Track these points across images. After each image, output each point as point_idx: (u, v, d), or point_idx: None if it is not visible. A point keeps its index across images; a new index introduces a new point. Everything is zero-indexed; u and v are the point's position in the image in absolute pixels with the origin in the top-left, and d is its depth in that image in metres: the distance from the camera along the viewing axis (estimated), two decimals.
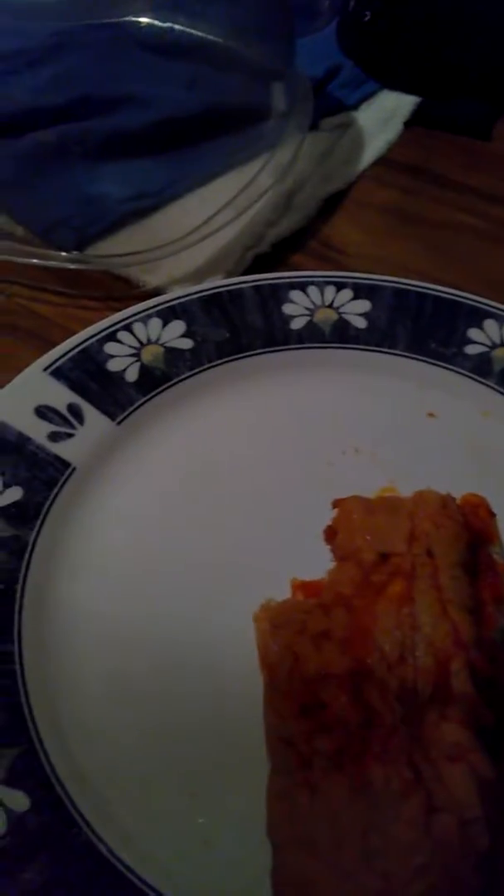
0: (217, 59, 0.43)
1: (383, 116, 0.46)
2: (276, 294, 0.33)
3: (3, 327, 0.35)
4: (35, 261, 0.36)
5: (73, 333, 0.34)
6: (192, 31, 0.43)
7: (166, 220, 0.38)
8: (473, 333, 0.32)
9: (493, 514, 0.24)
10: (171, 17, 0.42)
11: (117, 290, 0.36)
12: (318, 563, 0.26)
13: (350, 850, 0.17)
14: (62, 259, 0.36)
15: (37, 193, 0.39)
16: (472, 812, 0.17)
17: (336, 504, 0.24)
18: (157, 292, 0.36)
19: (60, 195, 0.39)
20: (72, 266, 0.36)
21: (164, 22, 0.43)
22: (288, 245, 0.39)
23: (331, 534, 0.24)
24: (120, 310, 0.35)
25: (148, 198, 0.38)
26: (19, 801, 0.21)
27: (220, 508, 0.28)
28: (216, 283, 0.33)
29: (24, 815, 0.20)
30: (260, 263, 0.38)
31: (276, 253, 0.38)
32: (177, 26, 0.42)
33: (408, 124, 0.46)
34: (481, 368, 0.31)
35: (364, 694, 0.19)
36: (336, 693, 0.19)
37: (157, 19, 0.42)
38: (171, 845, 0.21)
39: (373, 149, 0.45)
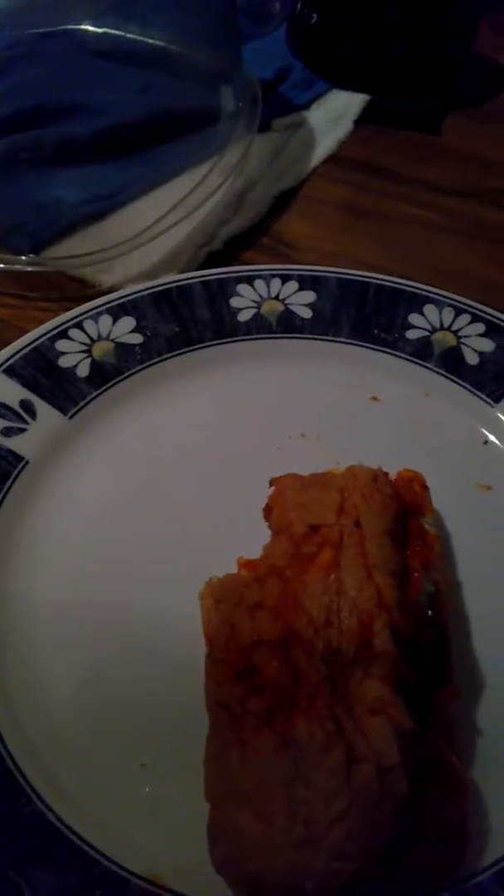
0: (167, 64, 0.45)
1: (334, 115, 0.48)
2: (224, 288, 0.34)
3: None
4: None
5: None
6: (143, 39, 0.45)
7: (120, 221, 0.39)
8: (414, 319, 0.33)
9: (426, 488, 0.25)
10: (122, 25, 0.43)
11: (73, 291, 0.37)
12: (264, 542, 0.27)
13: (276, 800, 0.18)
14: (17, 262, 0.37)
15: None
16: (390, 760, 0.18)
17: (272, 482, 0.25)
18: (112, 291, 0.37)
19: (14, 202, 0.40)
20: (27, 269, 0.37)
21: (116, 30, 0.44)
22: (240, 242, 0.40)
23: (268, 511, 0.25)
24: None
25: (102, 201, 0.39)
26: None
27: (171, 495, 0.29)
28: (165, 279, 0.34)
29: None
30: (213, 260, 0.39)
31: (229, 250, 0.39)
32: (128, 34, 0.44)
33: (358, 122, 0.47)
34: (422, 352, 0.32)
35: (292, 656, 0.20)
36: (267, 657, 0.20)
37: (108, 27, 0.43)
38: (120, 814, 0.22)
39: (324, 147, 0.46)
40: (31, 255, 0.37)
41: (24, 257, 0.37)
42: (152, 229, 0.37)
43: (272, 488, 0.25)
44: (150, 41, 0.45)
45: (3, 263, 0.37)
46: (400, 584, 0.21)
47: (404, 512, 0.24)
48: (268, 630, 0.21)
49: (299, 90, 0.48)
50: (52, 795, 0.21)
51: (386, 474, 0.25)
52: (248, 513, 0.28)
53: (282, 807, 0.18)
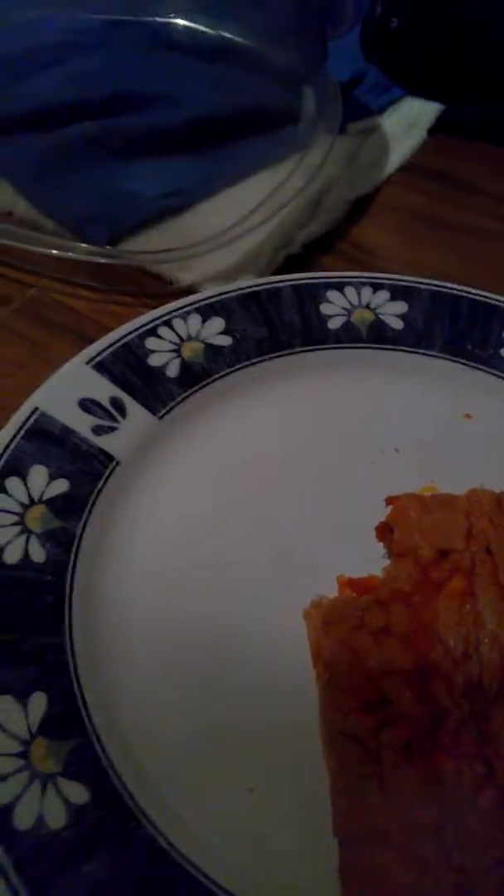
0: (246, 61, 0.44)
1: (407, 122, 0.47)
2: (314, 293, 0.33)
3: (37, 321, 0.35)
4: (67, 254, 0.36)
5: (107, 328, 0.35)
6: (223, 34, 0.44)
7: (198, 218, 0.38)
8: None
9: None
10: (202, 19, 0.42)
11: (150, 287, 0.36)
12: (364, 561, 0.26)
13: (426, 844, 0.17)
14: (94, 253, 0.36)
15: (67, 188, 0.39)
16: None
17: (390, 501, 0.25)
18: (189, 290, 0.36)
19: (92, 191, 0.39)
20: (104, 261, 0.36)
21: (196, 23, 0.43)
22: (318, 247, 0.39)
23: (385, 530, 0.24)
24: (153, 306, 0.35)
25: (180, 195, 0.38)
26: (79, 793, 0.20)
27: (263, 505, 0.28)
28: (254, 281, 0.33)
29: (83, 808, 0.20)
30: (291, 264, 0.38)
31: (307, 254, 0.39)
32: (207, 29, 0.43)
33: (431, 131, 0.47)
34: None
35: (430, 689, 0.19)
36: (400, 688, 0.19)
37: (189, 21, 0.42)
38: (229, 841, 0.21)
39: (398, 154, 0.45)
40: (108, 248, 0.36)
41: (101, 249, 0.36)
42: (233, 230, 0.36)
43: (389, 507, 0.24)
44: (230, 37, 0.44)
45: (80, 254, 0.36)
46: None
47: None
48: (399, 659, 0.20)
49: (374, 94, 0.47)
50: (159, 817, 0.21)
51: None
52: (346, 528, 0.27)
53: (432, 852, 0.17)
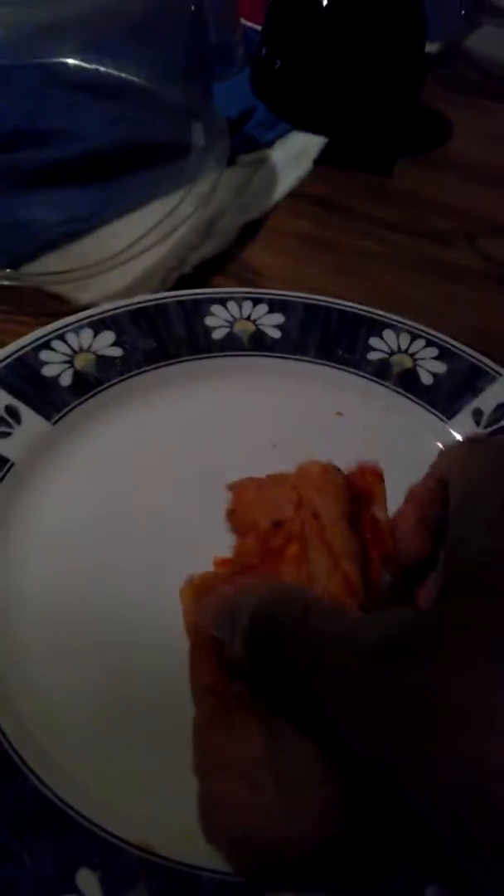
0: (138, 98, 0.47)
1: (294, 154, 0.51)
2: (199, 308, 0.36)
3: None
4: None
5: (5, 345, 0.37)
6: (117, 73, 0.47)
7: (96, 243, 0.41)
8: (374, 342, 0.36)
9: (381, 479, 0.27)
10: (97, 59, 0.46)
11: (50, 306, 0.39)
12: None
13: (263, 770, 0.20)
14: None
15: None
16: None
17: (231, 487, 0.27)
18: (88, 308, 0.39)
19: None
20: (5, 283, 0.38)
21: (91, 63, 0.46)
22: (209, 267, 0.43)
23: (231, 514, 0.27)
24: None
25: (78, 222, 0.41)
26: None
27: (149, 499, 0.30)
28: (143, 297, 0.36)
29: None
30: (183, 284, 0.41)
31: (198, 274, 0.42)
32: (102, 68, 0.46)
33: (317, 162, 0.51)
34: (381, 372, 0.35)
35: None
36: None
37: (83, 61, 0.45)
38: (113, 789, 0.23)
39: (285, 183, 0.49)
40: (9, 271, 0.39)
41: (3, 272, 0.38)
42: (127, 252, 0.39)
43: (231, 493, 0.27)
44: (123, 76, 0.47)
45: None
46: (362, 568, 0.24)
47: (356, 499, 0.26)
48: None
49: (263, 129, 0.51)
50: (47, 774, 0.22)
51: (336, 467, 0.27)
52: (221, 516, 0.30)
53: (268, 776, 0.20)
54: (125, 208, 0.43)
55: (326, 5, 0.47)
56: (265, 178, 0.49)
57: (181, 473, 0.31)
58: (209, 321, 0.36)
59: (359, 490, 0.26)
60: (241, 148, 0.49)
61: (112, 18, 0.39)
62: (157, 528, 0.29)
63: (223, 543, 0.29)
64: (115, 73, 0.46)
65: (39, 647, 0.26)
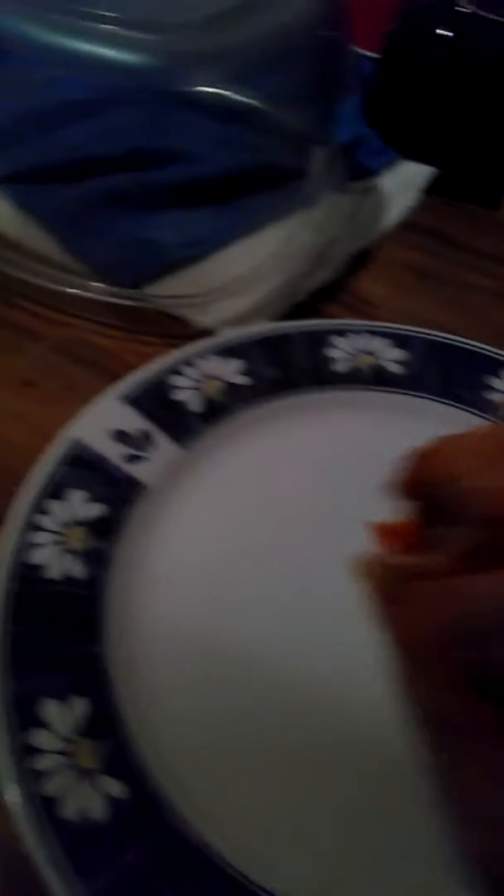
0: (260, 123, 0.48)
1: (402, 183, 0.51)
2: (321, 339, 0.36)
3: (69, 356, 0.38)
4: (97, 296, 0.39)
5: (131, 365, 0.38)
6: (238, 97, 0.48)
7: (215, 266, 0.42)
8: (492, 381, 0.36)
9: None
10: (224, 85, 0.46)
11: (171, 328, 0.40)
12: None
13: None
14: (121, 296, 0.39)
15: (96, 236, 0.42)
16: None
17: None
18: (208, 331, 0.39)
19: (117, 239, 0.42)
20: (130, 303, 0.39)
21: (217, 89, 0.47)
22: (321, 296, 0.43)
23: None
24: (173, 346, 0.39)
25: (198, 246, 0.42)
26: (117, 788, 0.23)
27: (281, 527, 0.31)
28: (268, 326, 0.37)
29: (121, 802, 0.22)
30: (298, 311, 0.41)
31: (312, 302, 0.42)
32: (228, 94, 0.47)
33: (425, 192, 0.51)
34: (499, 411, 0.35)
35: None
36: None
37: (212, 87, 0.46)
38: (263, 837, 0.23)
39: (394, 212, 0.49)
40: (135, 290, 0.39)
41: (127, 291, 0.39)
42: (246, 278, 0.39)
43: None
44: (244, 99, 0.48)
45: (107, 296, 0.39)
46: None
47: None
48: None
49: (371, 156, 0.51)
50: (196, 817, 0.23)
51: None
52: (348, 552, 0.30)
53: None
54: (243, 232, 0.43)
55: (451, 39, 0.47)
56: (374, 207, 0.49)
57: (311, 501, 0.32)
58: (331, 352, 0.36)
59: None
60: (352, 175, 0.49)
61: (257, 48, 0.40)
62: (288, 562, 0.30)
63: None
64: (235, 96, 0.47)
65: (175, 675, 0.26)
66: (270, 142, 0.47)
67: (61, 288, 0.39)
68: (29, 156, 0.47)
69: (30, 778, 0.22)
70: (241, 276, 0.40)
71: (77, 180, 0.45)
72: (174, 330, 0.39)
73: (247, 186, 0.45)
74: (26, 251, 0.42)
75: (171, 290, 0.40)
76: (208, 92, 0.45)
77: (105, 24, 0.39)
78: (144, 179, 0.44)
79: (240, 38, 0.39)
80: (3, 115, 0.49)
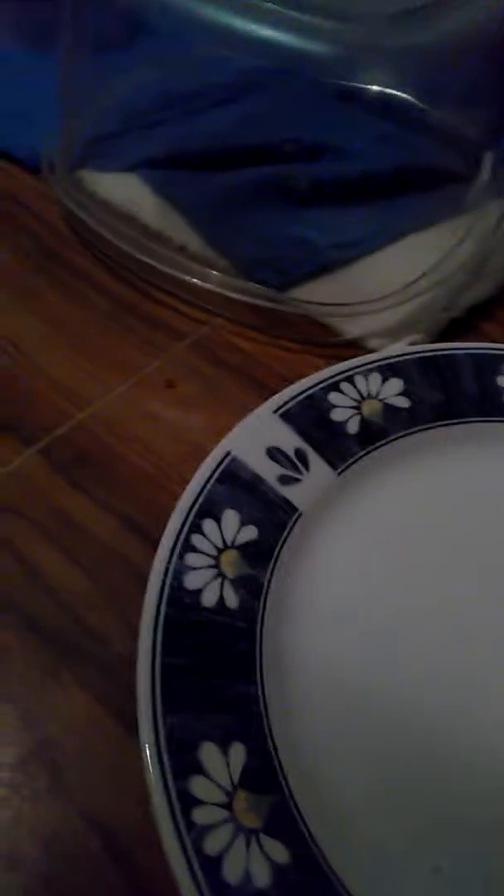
0: (420, 121, 0.45)
1: None
2: (491, 364, 0.33)
3: (209, 358, 0.36)
4: (239, 296, 0.37)
5: (275, 372, 0.36)
6: (409, 98, 0.45)
7: (366, 272, 0.39)
8: None
9: None
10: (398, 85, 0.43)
11: (315, 335, 0.37)
12: None
13: None
14: (265, 297, 0.37)
15: (241, 230, 0.40)
16: None
17: None
18: (355, 343, 0.37)
19: (264, 234, 0.40)
20: (273, 306, 0.37)
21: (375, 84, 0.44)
22: (478, 312, 0.40)
23: None
24: (318, 354, 0.36)
25: (349, 248, 0.39)
26: (280, 852, 0.21)
27: (437, 563, 0.28)
28: (431, 346, 0.34)
29: (285, 869, 0.20)
30: (453, 328, 0.38)
31: (468, 318, 0.39)
32: (396, 92, 0.43)
33: None
34: None
35: None
36: None
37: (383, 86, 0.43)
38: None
39: None
40: (280, 293, 0.37)
41: (272, 293, 0.37)
42: (406, 291, 0.37)
43: None
44: (413, 100, 0.45)
45: (250, 296, 0.37)
46: None
47: None
48: None
49: None
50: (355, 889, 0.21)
51: None
52: None
53: None
54: (399, 236, 0.40)
55: None
56: None
57: (468, 543, 0.29)
58: (501, 381, 0.33)
59: None
60: None
61: (438, 49, 0.37)
62: (447, 599, 0.27)
63: None
64: (405, 96, 0.44)
65: (335, 724, 0.24)
66: (437, 143, 0.44)
67: (202, 283, 0.37)
68: (168, 140, 0.45)
69: (190, 830, 0.20)
70: (395, 284, 0.37)
71: (222, 168, 0.42)
72: (319, 337, 0.37)
73: (407, 188, 0.42)
74: (167, 241, 0.40)
75: (319, 294, 0.38)
76: (378, 90, 0.43)
77: (274, 4, 0.37)
78: (297, 172, 0.41)
79: (423, 38, 0.36)
80: (146, 95, 0.48)
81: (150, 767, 0.21)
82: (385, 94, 0.44)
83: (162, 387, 0.34)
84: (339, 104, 0.46)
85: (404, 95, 0.44)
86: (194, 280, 0.37)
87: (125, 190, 0.42)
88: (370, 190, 0.42)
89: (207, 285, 0.37)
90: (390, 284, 0.37)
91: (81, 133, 0.45)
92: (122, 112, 0.46)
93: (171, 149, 0.44)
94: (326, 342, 0.37)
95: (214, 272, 0.38)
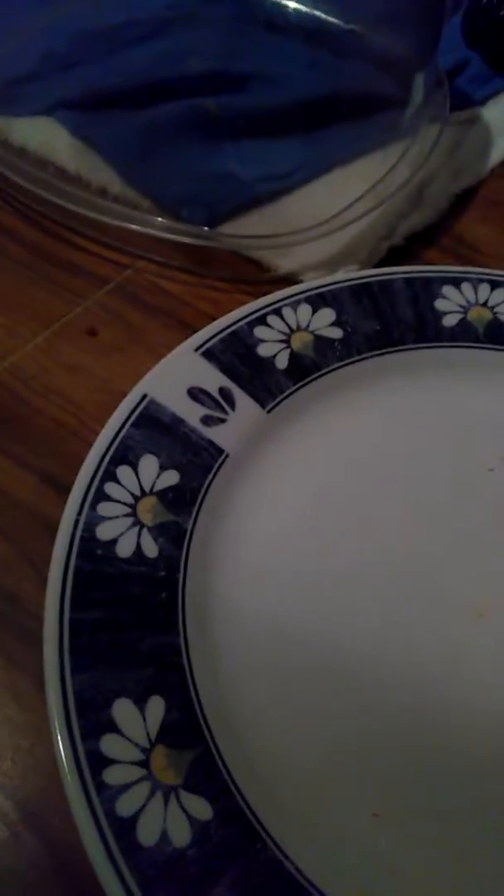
0: (349, 45, 0.42)
1: None
2: (428, 288, 0.31)
3: (133, 302, 0.33)
4: (164, 234, 0.34)
5: (203, 313, 0.33)
6: (319, 14, 0.42)
7: (299, 203, 0.37)
8: None
9: None
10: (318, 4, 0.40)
11: (246, 273, 0.35)
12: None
13: None
14: (192, 235, 0.34)
15: (164, 167, 0.37)
16: None
17: None
18: (288, 278, 0.35)
19: (189, 171, 0.37)
20: (201, 243, 0.34)
21: (298, 4, 0.41)
22: (418, 239, 0.38)
23: None
24: (249, 292, 0.34)
25: (280, 179, 0.37)
26: (201, 808, 0.19)
27: (373, 505, 0.26)
28: (365, 272, 0.32)
29: (207, 825, 0.19)
30: (393, 256, 0.36)
31: (408, 246, 0.37)
32: (303, 7, 0.41)
33: None
34: None
35: None
36: None
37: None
38: (355, 868, 0.19)
39: (500, 147, 0.43)
40: (206, 229, 0.35)
41: (199, 230, 0.34)
42: (338, 218, 0.34)
43: None
44: (327, 18, 0.42)
45: (177, 235, 0.34)
46: None
47: None
48: None
49: (475, 85, 0.45)
50: (285, 843, 0.19)
51: None
52: (463, 534, 0.26)
53: None
54: (331, 165, 0.38)
55: None
56: (478, 141, 0.43)
57: (410, 478, 0.27)
58: (440, 305, 0.31)
59: None
60: (452, 105, 0.43)
61: None
62: (382, 541, 0.26)
63: (463, 571, 0.25)
64: (317, 13, 0.41)
65: (261, 672, 0.22)
66: (367, 68, 0.41)
67: (125, 224, 0.35)
68: (87, 80, 0.42)
69: (100, 793, 0.19)
70: (332, 216, 0.34)
71: (141, 106, 0.40)
72: (251, 275, 0.35)
73: (337, 114, 0.39)
74: (86, 185, 0.37)
75: (249, 229, 0.35)
76: (298, 11, 0.40)
77: None
78: (220, 104, 0.39)
79: None
80: (59, 36, 0.44)
81: (57, 729, 0.19)
82: (306, 15, 0.41)
83: (83, 335, 0.32)
84: (268, 35, 0.44)
85: (329, 18, 0.42)
86: (116, 222, 0.35)
87: (41, 134, 0.39)
88: (298, 119, 0.39)
89: (130, 226, 0.35)
90: (322, 215, 0.35)
91: None
92: (36, 52, 0.43)
93: (89, 89, 0.41)
94: (258, 279, 0.34)
95: (137, 212, 0.35)
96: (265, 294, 0.31)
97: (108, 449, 0.25)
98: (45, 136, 0.39)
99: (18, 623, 0.24)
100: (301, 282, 0.34)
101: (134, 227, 0.35)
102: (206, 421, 0.27)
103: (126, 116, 0.39)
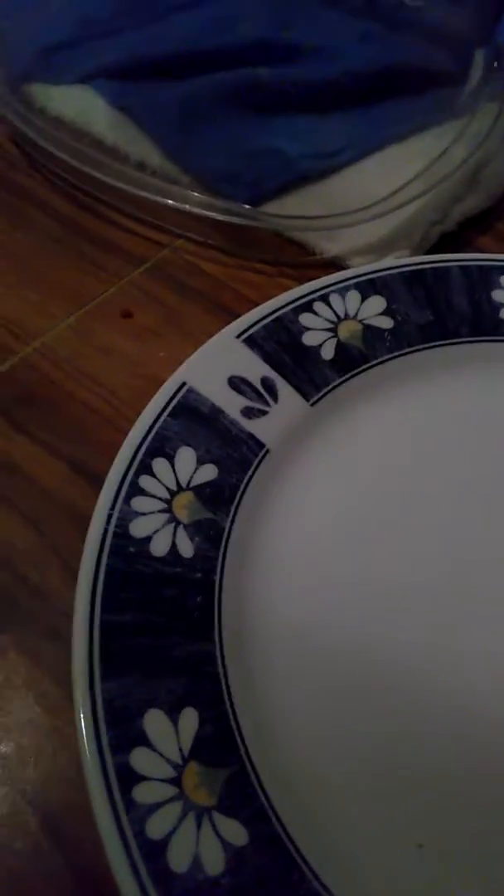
0: (403, 17, 0.40)
1: None
2: (486, 278, 0.29)
3: (170, 284, 0.32)
4: (204, 212, 0.33)
5: (243, 297, 0.32)
6: None
7: (348, 183, 0.35)
8: None
9: None
10: None
11: (290, 255, 0.33)
12: None
13: None
14: (234, 213, 0.33)
15: (206, 141, 0.35)
16: None
17: None
18: (333, 262, 0.33)
19: (231, 145, 0.35)
20: (243, 222, 0.33)
21: None
22: (471, 224, 0.35)
23: None
24: (293, 276, 0.33)
25: (329, 157, 0.35)
26: (236, 832, 0.18)
27: (425, 502, 0.25)
28: (419, 258, 0.30)
29: (242, 851, 0.18)
30: (445, 242, 0.34)
31: (462, 232, 0.35)
32: None
33: None
34: None
35: None
36: None
37: None
38: None
39: None
40: (249, 208, 0.33)
41: (241, 208, 0.33)
42: (390, 200, 0.32)
43: None
44: None
45: (218, 213, 0.33)
46: None
47: None
48: None
49: None
50: (324, 873, 0.18)
51: None
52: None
53: None
54: (383, 144, 0.36)
55: None
56: None
57: (458, 477, 0.25)
58: (497, 296, 0.29)
59: None
60: None
61: None
62: (435, 545, 0.24)
63: None
64: None
65: (302, 685, 0.21)
66: (424, 42, 0.39)
67: (163, 200, 0.33)
68: (128, 47, 0.40)
69: (129, 812, 0.17)
70: (379, 196, 0.32)
71: (184, 76, 0.38)
72: (294, 258, 0.33)
73: (391, 91, 0.37)
74: (123, 157, 0.35)
75: (294, 209, 0.33)
76: None
77: None
78: (268, 76, 0.37)
79: None
80: (98, 3, 0.43)
81: (85, 740, 0.18)
82: None
83: (117, 317, 0.31)
84: (320, 5, 0.41)
85: None
86: (154, 197, 0.33)
87: (78, 104, 0.37)
88: (350, 95, 0.37)
89: (168, 202, 0.33)
90: (373, 196, 0.33)
91: (29, 44, 0.41)
92: (74, 18, 0.42)
93: (129, 58, 0.39)
94: (302, 262, 0.33)
95: (176, 188, 0.33)
96: (309, 279, 0.29)
97: (143, 439, 0.23)
98: (83, 106, 0.37)
99: (43, 619, 0.23)
100: (347, 267, 0.32)
101: (172, 203, 0.33)
102: (247, 413, 0.25)
103: (167, 86, 0.38)
